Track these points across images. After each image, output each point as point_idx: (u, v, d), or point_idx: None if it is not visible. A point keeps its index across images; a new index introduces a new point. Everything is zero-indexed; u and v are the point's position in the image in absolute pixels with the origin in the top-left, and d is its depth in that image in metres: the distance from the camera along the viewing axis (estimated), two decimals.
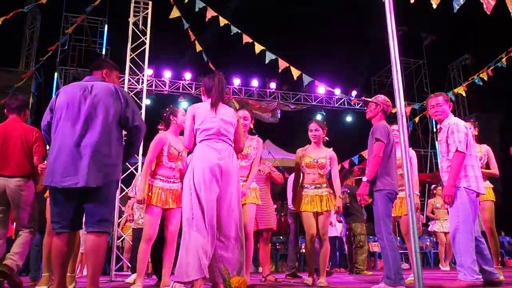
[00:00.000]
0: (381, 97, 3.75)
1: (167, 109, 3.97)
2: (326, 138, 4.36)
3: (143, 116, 6.62)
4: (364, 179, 3.47)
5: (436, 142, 14.36)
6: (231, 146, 3.03)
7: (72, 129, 2.48)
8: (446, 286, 3.33)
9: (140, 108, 6.66)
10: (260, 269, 5.90)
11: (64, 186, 2.40)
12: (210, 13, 7.11)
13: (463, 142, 3.36)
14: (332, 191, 4.19)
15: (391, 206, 3.48)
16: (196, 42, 7.91)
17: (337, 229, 7.94)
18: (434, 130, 14.36)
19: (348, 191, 6.72)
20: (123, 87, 6.89)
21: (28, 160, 3.77)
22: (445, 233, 7.60)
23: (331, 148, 4.32)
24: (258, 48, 7.18)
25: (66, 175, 2.41)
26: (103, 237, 2.46)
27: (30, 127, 3.91)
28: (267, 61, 7.09)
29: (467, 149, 3.41)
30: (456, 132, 3.42)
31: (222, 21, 7.19)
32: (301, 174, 4.26)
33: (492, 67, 8.03)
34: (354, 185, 6.78)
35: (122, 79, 11.98)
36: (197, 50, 7.67)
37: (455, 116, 3.73)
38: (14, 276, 3.53)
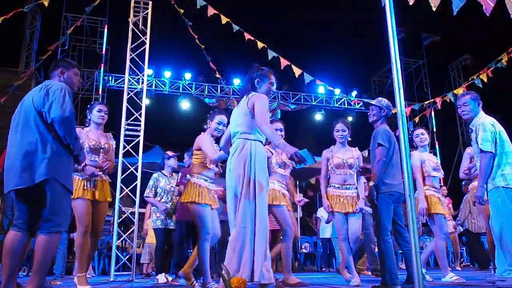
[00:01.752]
0: (384, 101, 3.75)
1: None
2: (350, 138, 4.39)
3: (142, 117, 6.61)
4: (370, 183, 3.50)
5: (436, 142, 14.36)
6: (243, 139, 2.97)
7: (12, 138, 2.63)
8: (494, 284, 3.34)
9: (140, 108, 6.66)
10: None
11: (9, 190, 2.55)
12: (211, 11, 7.11)
13: (489, 141, 3.33)
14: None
15: (392, 209, 3.48)
16: (197, 41, 7.92)
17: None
18: (434, 130, 14.35)
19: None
20: (123, 87, 6.89)
21: None
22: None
23: (356, 147, 4.36)
24: (259, 45, 7.19)
25: (7, 179, 2.56)
26: (47, 238, 2.51)
27: None
28: (269, 58, 7.11)
29: (499, 147, 3.36)
30: (481, 131, 3.40)
31: (224, 19, 7.19)
32: (328, 175, 4.30)
33: (492, 68, 8.03)
34: None
35: (122, 79, 12.01)
36: (202, 47, 7.70)
37: (460, 116, 3.73)
38: None
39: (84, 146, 3.77)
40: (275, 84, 3.19)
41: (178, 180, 5.15)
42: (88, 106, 4.21)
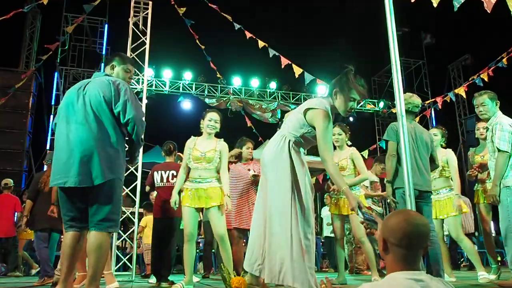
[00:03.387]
0: (406, 97, 3.71)
1: None
2: (349, 142, 4.38)
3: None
4: (385, 180, 3.50)
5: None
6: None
7: (67, 129, 2.47)
8: (501, 283, 3.34)
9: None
10: None
11: (56, 185, 2.46)
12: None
13: (506, 141, 3.34)
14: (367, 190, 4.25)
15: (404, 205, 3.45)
16: (197, 41, 7.92)
17: None
18: None
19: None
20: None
21: None
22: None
23: (353, 147, 4.35)
24: (260, 44, 7.19)
25: (58, 174, 2.43)
26: (106, 236, 2.47)
27: None
28: (270, 56, 7.12)
29: None
30: (499, 131, 3.40)
31: (225, 17, 7.21)
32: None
33: (492, 68, 8.02)
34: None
35: None
36: (202, 47, 7.71)
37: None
38: None
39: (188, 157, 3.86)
40: (355, 102, 2.72)
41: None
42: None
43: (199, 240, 8.01)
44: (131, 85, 2.77)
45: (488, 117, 3.60)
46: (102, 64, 12.33)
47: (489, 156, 3.59)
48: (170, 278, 4.59)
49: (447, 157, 4.46)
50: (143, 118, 2.63)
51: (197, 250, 8.20)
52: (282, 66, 7.20)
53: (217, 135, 3.99)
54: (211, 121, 3.84)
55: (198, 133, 3.96)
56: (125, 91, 2.55)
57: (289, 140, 2.67)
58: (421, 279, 1.29)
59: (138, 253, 7.16)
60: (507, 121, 3.48)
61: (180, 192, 3.84)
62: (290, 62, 7.28)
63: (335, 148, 4.31)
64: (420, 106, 3.70)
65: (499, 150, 3.35)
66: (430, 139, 3.60)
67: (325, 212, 8.63)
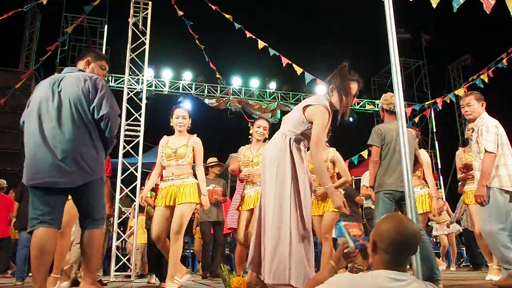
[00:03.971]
0: (382, 97, 3.75)
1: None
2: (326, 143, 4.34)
3: (142, 117, 6.60)
4: (366, 184, 3.50)
5: (436, 143, 14.36)
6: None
7: (42, 127, 2.40)
8: (497, 283, 3.33)
9: (140, 108, 6.66)
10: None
11: (33, 185, 2.38)
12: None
13: (492, 142, 3.35)
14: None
15: (391, 207, 3.42)
16: (197, 41, 7.92)
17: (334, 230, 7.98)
18: (434, 130, 14.35)
19: (343, 191, 6.73)
20: (123, 88, 6.88)
21: None
22: (446, 235, 7.72)
23: (333, 148, 4.24)
24: (260, 44, 7.19)
25: (40, 174, 2.36)
26: (98, 231, 2.56)
27: None
28: (270, 55, 7.12)
29: (500, 149, 3.38)
30: (485, 132, 3.41)
31: (226, 16, 7.21)
32: None
33: (493, 68, 8.02)
34: (351, 186, 6.76)
35: (122, 79, 12.00)
36: (202, 48, 7.72)
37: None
38: None
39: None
40: (354, 98, 2.75)
41: None
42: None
43: (186, 240, 8.03)
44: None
45: (473, 117, 3.61)
46: None
47: (474, 156, 3.59)
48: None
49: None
50: (118, 116, 2.59)
51: (190, 250, 8.20)
52: (284, 65, 7.19)
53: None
54: (178, 118, 3.78)
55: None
56: (102, 86, 2.53)
57: (290, 138, 2.65)
58: (402, 279, 1.34)
59: (128, 253, 7.11)
60: (492, 122, 3.49)
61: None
62: (290, 62, 7.27)
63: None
64: (388, 103, 3.69)
65: (486, 151, 3.36)
66: (413, 138, 3.61)
67: None
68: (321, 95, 2.80)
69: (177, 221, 3.48)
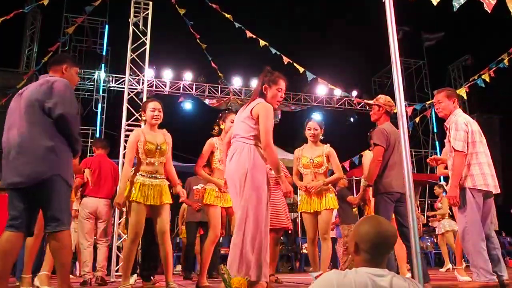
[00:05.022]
0: (382, 98, 3.72)
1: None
2: (321, 137, 4.31)
3: (143, 117, 6.59)
4: (365, 182, 3.46)
5: (437, 143, 14.35)
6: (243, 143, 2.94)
7: (9, 132, 2.57)
8: (460, 287, 3.32)
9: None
10: None
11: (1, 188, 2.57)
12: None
13: (461, 140, 3.27)
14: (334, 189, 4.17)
15: (391, 208, 3.40)
16: (198, 41, 7.93)
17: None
18: (435, 130, 14.34)
19: (337, 193, 6.74)
20: (124, 88, 6.89)
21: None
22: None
23: (328, 144, 4.22)
24: (261, 43, 7.20)
25: (5, 176, 2.51)
26: (58, 236, 2.49)
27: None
28: (272, 53, 7.12)
29: (471, 147, 3.30)
30: (454, 130, 3.34)
31: (226, 16, 7.21)
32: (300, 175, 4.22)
33: (494, 68, 8.01)
34: (344, 187, 6.72)
35: (122, 79, 12.02)
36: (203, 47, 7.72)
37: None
38: None
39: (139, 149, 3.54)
40: (282, 92, 3.09)
41: None
42: (142, 104, 4.00)
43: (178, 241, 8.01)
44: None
45: (444, 115, 3.51)
46: (103, 65, 12.35)
47: (448, 155, 3.49)
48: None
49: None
50: (75, 115, 2.60)
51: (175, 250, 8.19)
52: (285, 63, 7.19)
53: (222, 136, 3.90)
54: (155, 111, 3.66)
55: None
56: (59, 88, 2.57)
57: (249, 146, 2.89)
58: (382, 274, 1.48)
59: None
60: (462, 119, 3.38)
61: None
62: (291, 61, 7.27)
63: (307, 142, 4.30)
64: (391, 105, 3.68)
65: (455, 150, 3.28)
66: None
67: None
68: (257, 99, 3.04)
69: (166, 221, 3.53)
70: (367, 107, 3.84)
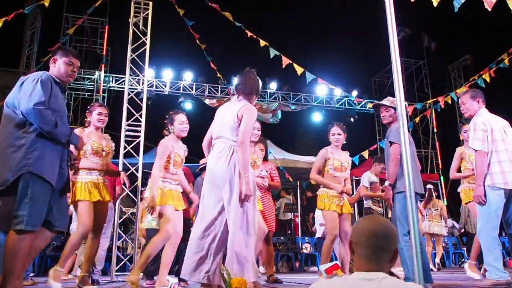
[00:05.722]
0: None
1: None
2: (344, 141, 4.42)
3: (143, 117, 6.60)
4: (387, 183, 3.48)
5: (436, 143, 14.36)
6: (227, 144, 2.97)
7: None
8: (475, 285, 3.35)
9: (141, 108, 6.66)
10: (261, 269, 5.90)
11: None
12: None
13: (479, 140, 3.34)
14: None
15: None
16: (198, 41, 7.93)
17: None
18: (435, 130, 14.34)
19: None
20: (124, 88, 6.89)
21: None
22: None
23: (347, 152, 4.44)
24: (261, 43, 7.20)
25: None
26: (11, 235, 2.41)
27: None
28: (271, 56, 7.12)
29: (491, 146, 3.35)
30: (472, 131, 3.41)
31: (227, 16, 7.22)
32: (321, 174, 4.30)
33: (494, 68, 8.01)
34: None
35: (122, 79, 12.01)
36: (203, 47, 7.73)
37: (463, 117, 3.72)
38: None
39: (87, 149, 3.73)
40: (258, 90, 3.21)
41: None
42: (88, 107, 4.17)
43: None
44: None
45: (469, 115, 3.59)
46: (102, 65, 12.35)
47: (473, 156, 3.62)
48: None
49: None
50: (42, 109, 2.51)
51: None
52: (284, 66, 7.20)
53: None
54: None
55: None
56: (27, 84, 2.56)
57: (235, 149, 2.92)
58: (374, 278, 1.38)
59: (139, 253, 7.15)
60: (481, 119, 3.44)
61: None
62: (291, 62, 7.28)
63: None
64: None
65: (475, 150, 3.36)
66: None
67: (319, 212, 8.62)
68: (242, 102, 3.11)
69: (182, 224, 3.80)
70: (367, 106, 3.86)
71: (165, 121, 3.92)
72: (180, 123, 3.81)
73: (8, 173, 2.42)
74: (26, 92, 2.51)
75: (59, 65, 2.79)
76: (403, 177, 3.39)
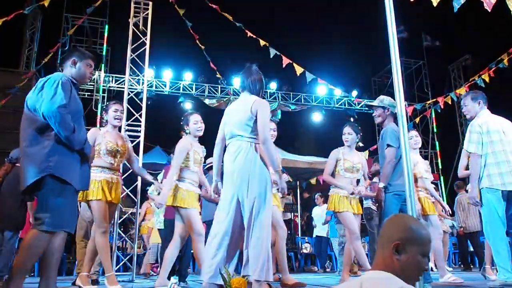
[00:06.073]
0: (386, 100, 3.72)
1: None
2: (360, 143, 4.48)
3: (143, 117, 6.60)
4: (381, 185, 3.48)
5: (437, 143, 14.36)
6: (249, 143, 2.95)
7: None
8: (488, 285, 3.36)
9: (141, 108, 6.67)
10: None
11: None
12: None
13: (473, 142, 3.36)
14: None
15: (398, 208, 3.41)
16: (197, 42, 7.93)
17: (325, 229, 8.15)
18: (435, 130, 14.34)
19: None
20: (123, 88, 6.90)
21: None
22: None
23: (364, 152, 4.41)
24: (261, 43, 7.20)
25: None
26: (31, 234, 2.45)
27: None
28: (271, 55, 7.13)
29: (488, 147, 3.35)
30: (468, 133, 3.45)
31: (226, 16, 7.22)
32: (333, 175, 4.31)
33: (494, 68, 8.01)
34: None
35: (122, 79, 12.01)
36: (202, 48, 7.73)
37: (463, 117, 3.75)
38: None
39: (101, 148, 3.70)
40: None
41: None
42: (104, 106, 4.16)
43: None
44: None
45: (470, 117, 3.61)
46: (102, 65, 12.35)
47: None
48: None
49: None
50: (63, 113, 2.51)
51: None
52: (284, 65, 7.20)
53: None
54: (197, 124, 3.87)
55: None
56: (47, 84, 2.55)
57: (254, 145, 2.91)
58: (366, 277, 1.39)
59: (138, 253, 7.17)
60: (477, 121, 3.46)
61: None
62: (291, 61, 7.28)
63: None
64: (395, 106, 3.66)
65: (470, 153, 3.38)
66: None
67: (316, 212, 8.63)
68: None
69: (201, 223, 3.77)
70: (368, 107, 3.87)
71: (181, 123, 3.94)
72: (195, 123, 3.84)
73: (30, 176, 2.44)
74: (48, 95, 2.51)
75: (79, 67, 2.78)
76: (394, 178, 3.40)
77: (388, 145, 3.46)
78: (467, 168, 4.82)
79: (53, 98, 2.50)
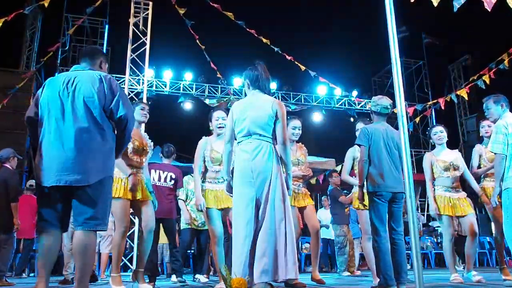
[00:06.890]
0: (374, 100, 3.73)
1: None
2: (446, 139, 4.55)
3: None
4: (357, 184, 3.54)
5: None
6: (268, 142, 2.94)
7: (58, 126, 2.38)
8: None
9: None
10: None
11: (50, 185, 2.32)
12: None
13: (498, 143, 3.39)
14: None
15: (381, 208, 3.35)
16: (198, 42, 7.94)
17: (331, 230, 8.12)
18: None
19: (329, 193, 6.77)
20: (123, 88, 6.89)
21: None
22: None
23: (456, 150, 4.50)
24: (264, 41, 7.21)
25: (52, 173, 2.32)
26: (92, 236, 2.37)
27: None
28: (275, 50, 7.15)
29: (510, 149, 3.37)
30: (494, 133, 3.48)
31: (228, 15, 7.23)
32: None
33: (494, 69, 8.00)
34: (337, 187, 6.71)
35: (122, 79, 12.01)
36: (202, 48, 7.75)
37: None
38: None
39: (129, 147, 3.59)
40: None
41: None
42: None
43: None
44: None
45: (494, 119, 3.68)
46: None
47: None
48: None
49: None
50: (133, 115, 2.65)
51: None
52: (288, 57, 7.22)
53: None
54: (218, 120, 3.84)
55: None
56: (117, 87, 2.52)
57: (272, 145, 2.92)
58: None
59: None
60: (502, 122, 3.50)
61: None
62: (292, 59, 7.29)
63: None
64: (390, 107, 3.62)
65: (494, 153, 3.43)
66: (399, 138, 3.59)
67: (321, 214, 8.62)
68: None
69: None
70: (367, 106, 3.89)
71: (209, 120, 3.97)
72: (216, 120, 3.84)
73: (92, 174, 2.36)
74: (126, 99, 2.55)
75: (105, 71, 2.77)
76: (372, 178, 3.37)
77: (358, 145, 3.56)
78: (478, 167, 4.80)
79: (129, 102, 2.59)
